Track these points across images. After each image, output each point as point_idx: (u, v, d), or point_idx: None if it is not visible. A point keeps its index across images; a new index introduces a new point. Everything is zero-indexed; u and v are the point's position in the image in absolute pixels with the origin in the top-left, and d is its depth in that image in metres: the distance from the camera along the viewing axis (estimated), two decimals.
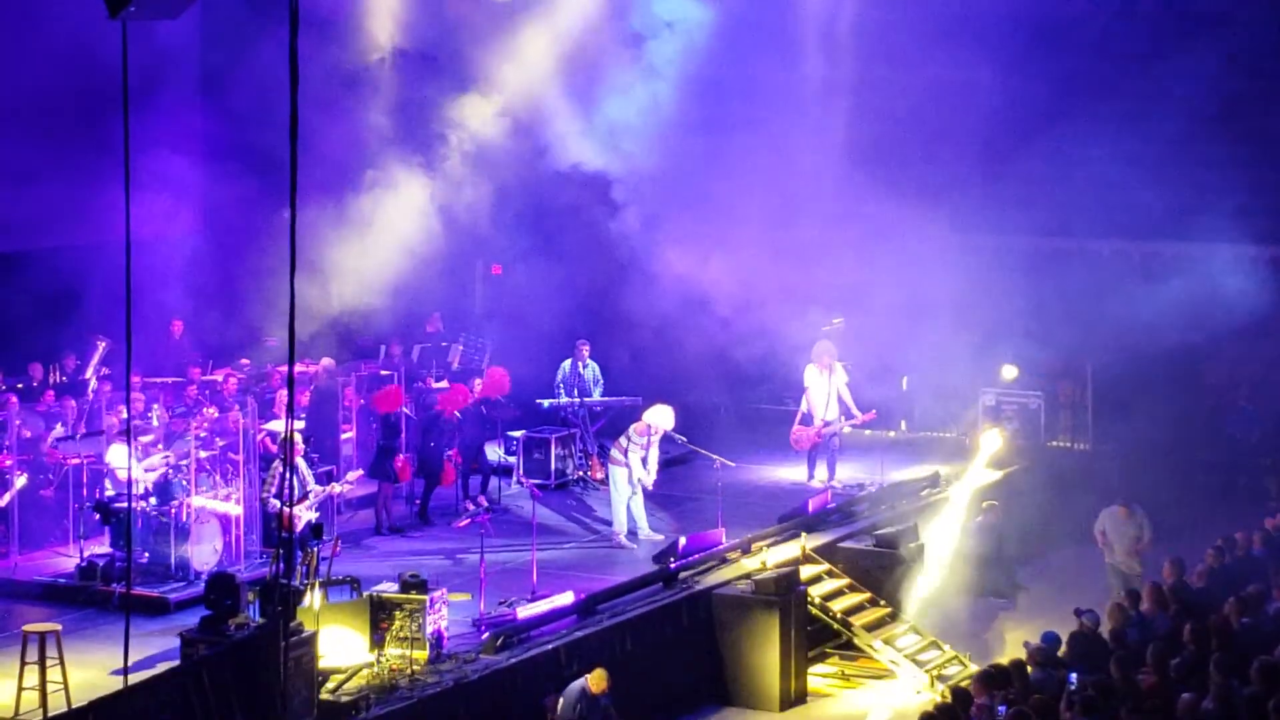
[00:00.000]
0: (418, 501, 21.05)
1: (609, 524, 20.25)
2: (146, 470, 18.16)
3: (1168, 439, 24.59)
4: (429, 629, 15.49)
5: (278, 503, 17.05)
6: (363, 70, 23.41)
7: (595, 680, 15.25)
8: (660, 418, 20.03)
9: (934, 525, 21.29)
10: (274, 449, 18.85)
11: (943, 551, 21.38)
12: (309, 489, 17.38)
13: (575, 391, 23.07)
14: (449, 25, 23.43)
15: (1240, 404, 25.72)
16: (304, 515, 17.03)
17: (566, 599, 16.98)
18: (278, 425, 19.70)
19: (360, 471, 19.29)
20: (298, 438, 17.92)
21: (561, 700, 15.26)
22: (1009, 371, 24.36)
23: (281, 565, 15.64)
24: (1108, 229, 25.41)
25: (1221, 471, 25.52)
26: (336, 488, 18.32)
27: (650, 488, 20.15)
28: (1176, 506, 23.96)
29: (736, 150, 24.44)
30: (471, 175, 23.38)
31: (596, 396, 23.26)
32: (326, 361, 22.06)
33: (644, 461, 19.88)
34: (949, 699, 14.51)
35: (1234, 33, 24.16)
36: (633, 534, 19.88)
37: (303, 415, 20.75)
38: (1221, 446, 25.66)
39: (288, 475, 17.17)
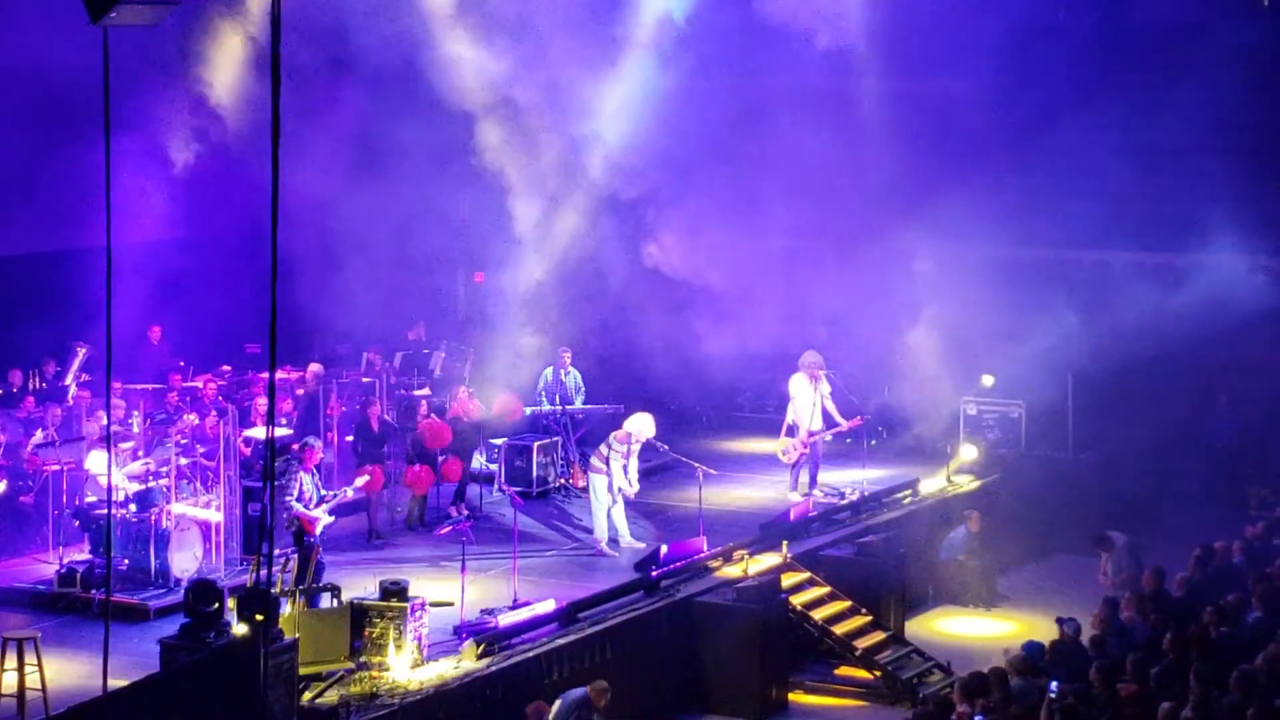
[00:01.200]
0: (398, 510, 21.03)
1: (590, 532, 20.22)
2: (127, 477, 18.11)
3: (1148, 447, 24.67)
4: (410, 636, 15.46)
5: (298, 505, 17.05)
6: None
7: (596, 692, 15.23)
8: (641, 426, 20.01)
9: (915, 534, 21.32)
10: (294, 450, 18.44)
11: (924, 560, 21.43)
12: (322, 493, 17.38)
13: (557, 399, 23.06)
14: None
15: (1220, 412, 25.80)
16: (323, 519, 17.09)
17: (548, 607, 16.96)
18: (258, 432, 19.67)
19: (368, 476, 19.24)
20: (319, 443, 17.91)
21: (559, 703, 15.23)
22: (987, 380, 24.41)
23: (261, 572, 15.61)
24: (1090, 239, 25.48)
25: (1201, 480, 25.61)
26: (349, 491, 18.25)
27: (631, 497, 20.13)
28: (1157, 515, 24.05)
29: (726, 159, 24.51)
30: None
31: (578, 404, 23.25)
32: (314, 367, 22.04)
33: (624, 469, 19.85)
34: (930, 708, 14.53)
35: (1220, 44, 24.26)
36: (614, 542, 19.86)
37: (284, 421, 20.71)
38: (1201, 454, 25.75)
39: (272, 479, 17.12)
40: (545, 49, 23.54)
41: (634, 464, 20.04)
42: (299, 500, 16.99)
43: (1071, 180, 24.93)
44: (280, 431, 19.87)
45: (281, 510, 17.17)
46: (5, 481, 18.82)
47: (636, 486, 20.08)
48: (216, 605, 14.72)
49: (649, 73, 23.95)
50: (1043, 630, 16.37)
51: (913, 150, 25.04)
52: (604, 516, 19.82)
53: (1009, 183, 24.53)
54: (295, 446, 17.75)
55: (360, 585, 17.16)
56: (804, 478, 22.42)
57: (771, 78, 24.89)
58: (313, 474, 17.31)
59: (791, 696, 18.29)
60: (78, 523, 18.02)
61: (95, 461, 18.27)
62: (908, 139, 25.03)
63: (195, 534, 17.96)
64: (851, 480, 22.55)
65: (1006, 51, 24.52)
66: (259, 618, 13.49)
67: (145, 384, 21.77)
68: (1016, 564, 22.71)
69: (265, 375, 21.89)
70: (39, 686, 14.41)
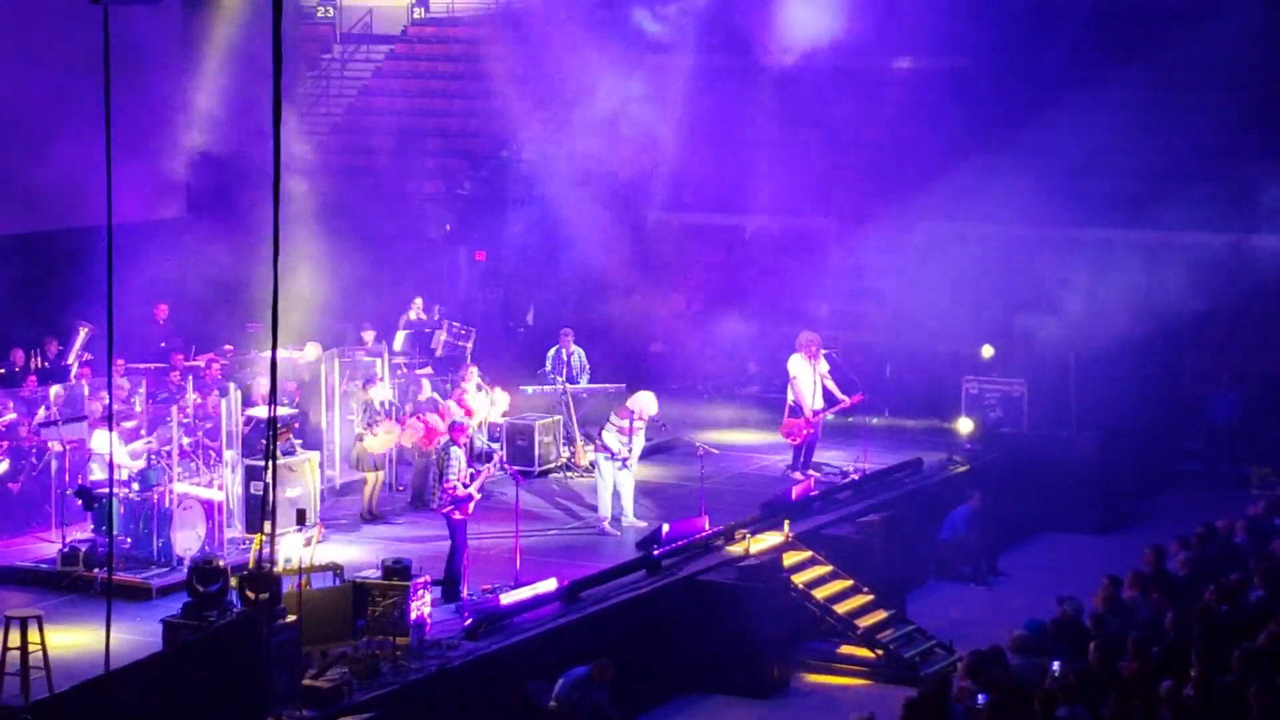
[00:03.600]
0: (400, 488, 21.02)
1: (593, 510, 20.22)
2: (130, 456, 18.11)
3: (1150, 426, 24.67)
4: (412, 615, 15.48)
5: (460, 487, 17.15)
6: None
7: (599, 670, 15.24)
8: (644, 403, 19.99)
9: (917, 512, 21.33)
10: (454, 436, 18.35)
11: (926, 538, 21.44)
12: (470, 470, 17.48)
13: (561, 379, 23.03)
14: None
15: (1220, 390, 25.79)
16: (475, 495, 17.30)
17: (550, 586, 16.98)
18: (261, 411, 19.67)
19: (503, 453, 19.23)
20: (468, 421, 17.94)
21: (561, 681, 15.25)
22: (986, 350, 24.43)
23: (264, 551, 15.61)
24: (1092, 217, 25.46)
25: (1203, 459, 25.62)
26: (492, 469, 18.28)
27: (626, 466, 19.97)
28: (1159, 493, 24.07)
29: (723, 136, 24.53)
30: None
31: (583, 383, 23.22)
32: (312, 347, 22.00)
33: (627, 445, 19.81)
34: (932, 686, 14.53)
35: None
36: (616, 520, 19.85)
37: (287, 401, 20.69)
38: (1203, 434, 25.74)
39: (273, 457, 17.13)
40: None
41: (639, 442, 19.98)
42: (457, 478, 17.09)
43: (1074, 159, 24.90)
44: (282, 411, 19.86)
45: (446, 490, 17.19)
46: (8, 460, 18.81)
47: (635, 459, 19.96)
48: (219, 584, 14.72)
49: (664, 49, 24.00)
50: (1044, 609, 16.35)
51: (918, 128, 25.05)
52: (609, 495, 19.82)
53: (1011, 162, 24.52)
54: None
55: (361, 564, 17.18)
56: (803, 457, 22.40)
57: (780, 57, 24.89)
58: (460, 454, 17.39)
59: (793, 675, 18.30)
60: (80, 501, 18.00)
61: (98, 440, 18.28)
62: (914, 117, 25.03)
63: (198, 513, 17.96)
64: (853, 459, 22.54)
65: (1015, 30, 24.52)
66: (261, 596, 13.52)
67: (148, 363, 21.76)
68: (1018, 542, 22.73)
69: (267, 354, 21.87)
70: (42, 665, 14.42)
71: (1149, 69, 24.28)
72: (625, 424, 19.84)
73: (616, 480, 19.79)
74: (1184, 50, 24.00)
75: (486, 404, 21.61)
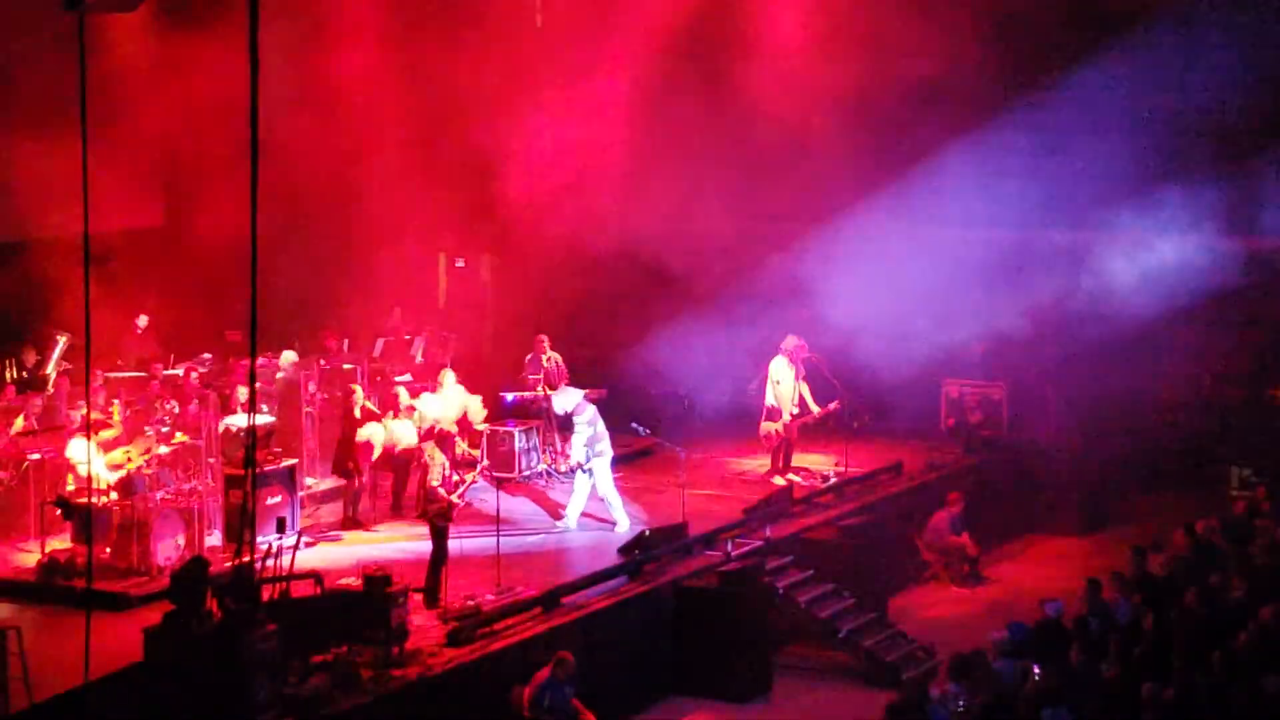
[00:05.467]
0: (381, 495, 20.97)
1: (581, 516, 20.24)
2: (108, 466, 18.06)
3: (1129, 429, 24.72)
4: (393, 622, 15.43)
5: (444, 494, 17.13)
6: None
7: (560, 667, 15.20)
8: (561, 403, 20.03)
9: (898, 515, 21.36)
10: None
11: (907, 542, 21.47)
12: (454, 478, 17.43)
13: (543, 387, 23.01)
14: None
15: (1200, 394, 25.83)
16: (458, 503, 17.34)
17: (530, 592, 16.96)
18: (240, 420, 19.62)
19: (486, 462, 19.18)
20: (453, 428, 17.94)
21: (527, 691, 15.21)
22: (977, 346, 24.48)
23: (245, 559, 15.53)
24: (1069, 219, 25.48)
25: (1182, 461, 25.67)
26: (475, 477, 18.26)
27: (571, 467, 20.02)
28: (1138, 496, 24.12)
29: (698, 136, 24.51)
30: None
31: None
32: (288, 354, 21.97)
33: (584, 443, 19.83)
34: (913, 690, 14.56)
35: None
36: (613, 524, 19.85)
37: (264, 408, 20.66)
38: (1182, 436, 25.79)
39: (253, 466, 17.02)
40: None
41: (576, 439, 19.94)
42: (441, 485, 17.05)
43: (1045, 160, 24.93)
44: (261, 419, 19.83)
45: (429, 497, 17.15)
46: None
47: (576, 459, 19.98)
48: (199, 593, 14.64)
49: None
50: (1026, 612, 16.40)
51: (883, 131, 25.05)
52: (580, 501, 19.87)
53: (993, 164, 24.53)
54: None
55: (342, 571, 17.14)
56: (781, 461, 22.41)
57: (736, 58, 24.91)
58: (435, 458, 17.38)
59: (775, 680, 18.31)
60: (59, 511, 17.94)
61: (76, 450, 18.23)
62: (876, 120, 25.02)
63: (177, 522, 17.90)
64: (834, 462, 22.56)
65: (973, 31, 24.55)
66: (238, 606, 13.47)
67: (126, 372, 21.70)
68: (999, 545, 22.76)
69: (246, 362, 21.82)
70: (21, 676, 14.36)
71: (1121, 69, 24.28)
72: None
73: (597, 488, 19.77)
74: (1146, 53, 23.98)
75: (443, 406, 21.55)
